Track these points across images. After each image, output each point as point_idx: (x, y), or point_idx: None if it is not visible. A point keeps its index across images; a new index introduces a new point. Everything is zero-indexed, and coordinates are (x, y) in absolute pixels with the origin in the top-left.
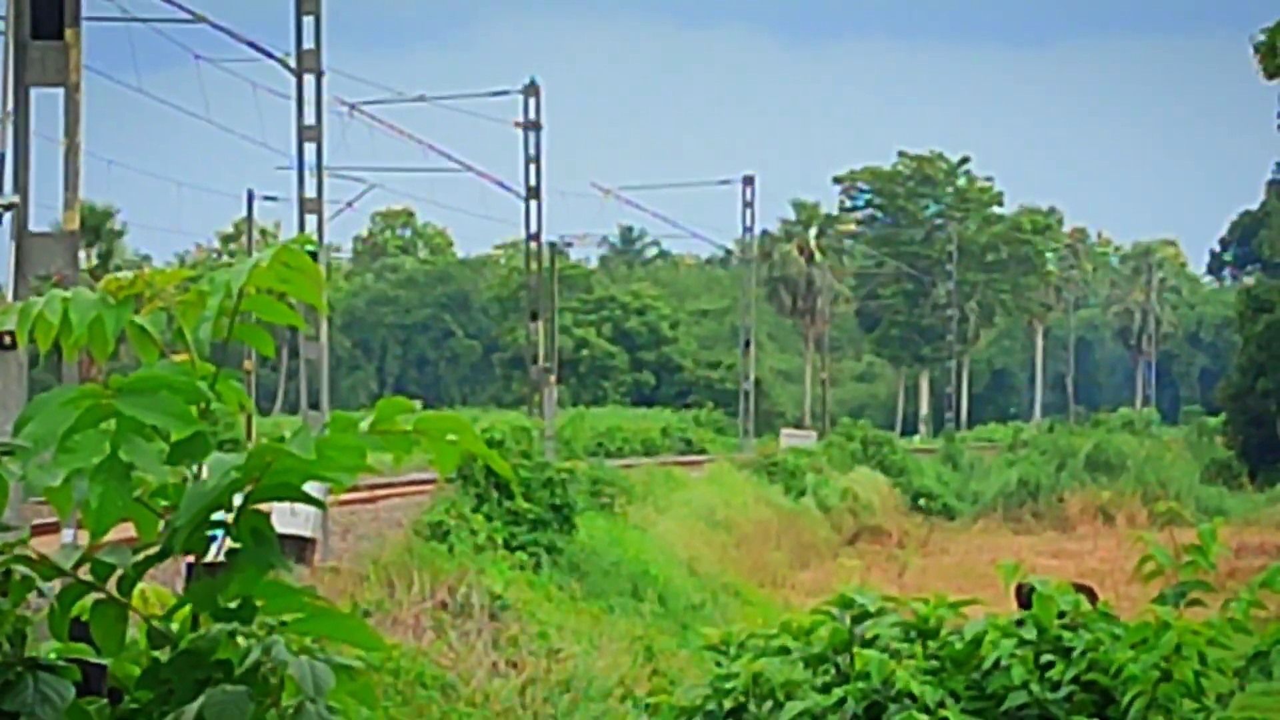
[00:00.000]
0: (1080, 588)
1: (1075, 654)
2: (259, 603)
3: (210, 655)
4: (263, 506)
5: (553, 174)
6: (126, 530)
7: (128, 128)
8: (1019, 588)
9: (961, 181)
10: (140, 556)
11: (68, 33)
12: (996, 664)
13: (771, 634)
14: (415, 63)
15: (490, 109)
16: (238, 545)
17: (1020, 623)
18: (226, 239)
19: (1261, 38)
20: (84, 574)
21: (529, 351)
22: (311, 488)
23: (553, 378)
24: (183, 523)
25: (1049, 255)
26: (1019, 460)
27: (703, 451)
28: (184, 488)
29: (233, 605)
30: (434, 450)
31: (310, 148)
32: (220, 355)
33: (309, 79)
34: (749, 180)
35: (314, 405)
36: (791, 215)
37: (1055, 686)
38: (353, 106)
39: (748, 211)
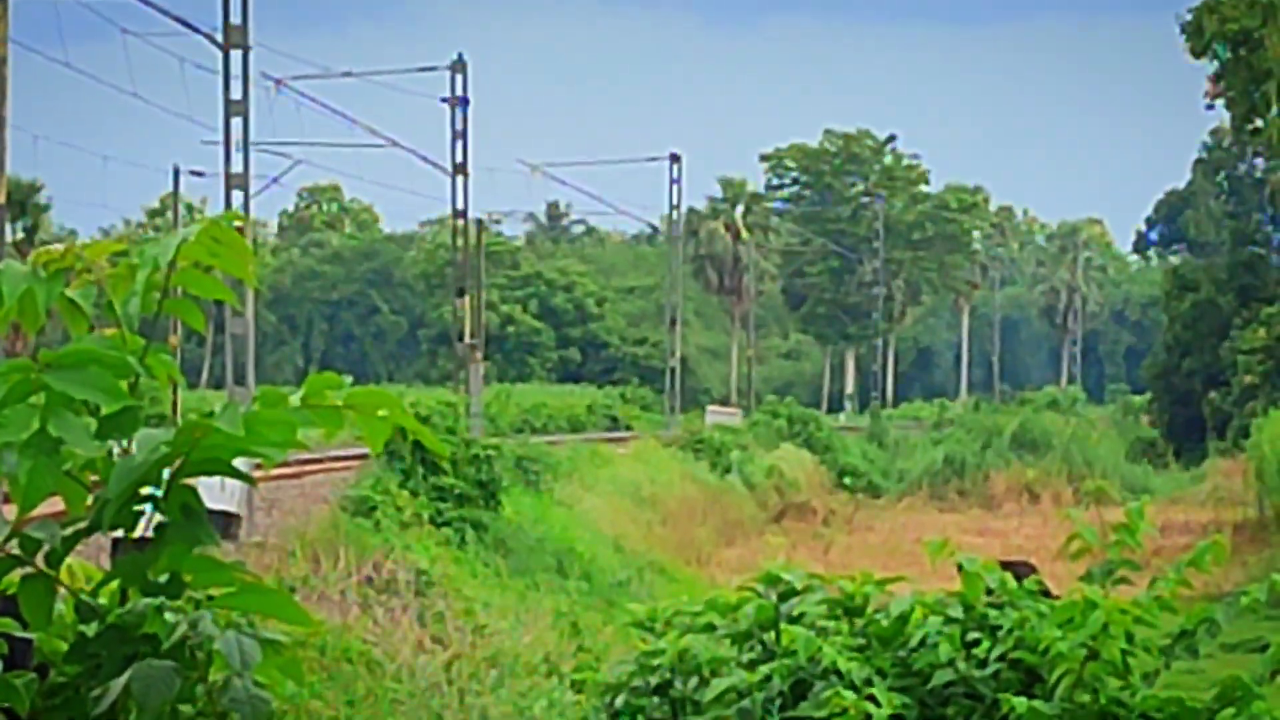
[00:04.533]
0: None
1: (1002, 632)
2: (187, 577)
3: (137, 629)
4: (190, 481)
5: (480, 150)
6: (55, 505)
7: (54, 101)
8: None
9: (888, 160)
10: (69, 531)
11: None
12: (923, 641)
13: (697, 610)
14: (349, 39)
15: (418, 85)
16: (166, 520)
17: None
18: (153, 214)
19: (1188, 17)
20: (12, 548)
21: (455, 328)
22: (239, 463)
23: (479, 354)
24: (112, 497)
25: (975, 234)
26: (944, 438)
27: (628, 428)
28: (113, 462)
29: (161, 580)
30: (364, 425)
31: (237, 123)
32: (149, 330)
33: (235, 54)
34: (676, 158)
35: (239, 381)
36: (718, 193)
37: (982, 664)
38: (279, 82)
39: (674, 189)
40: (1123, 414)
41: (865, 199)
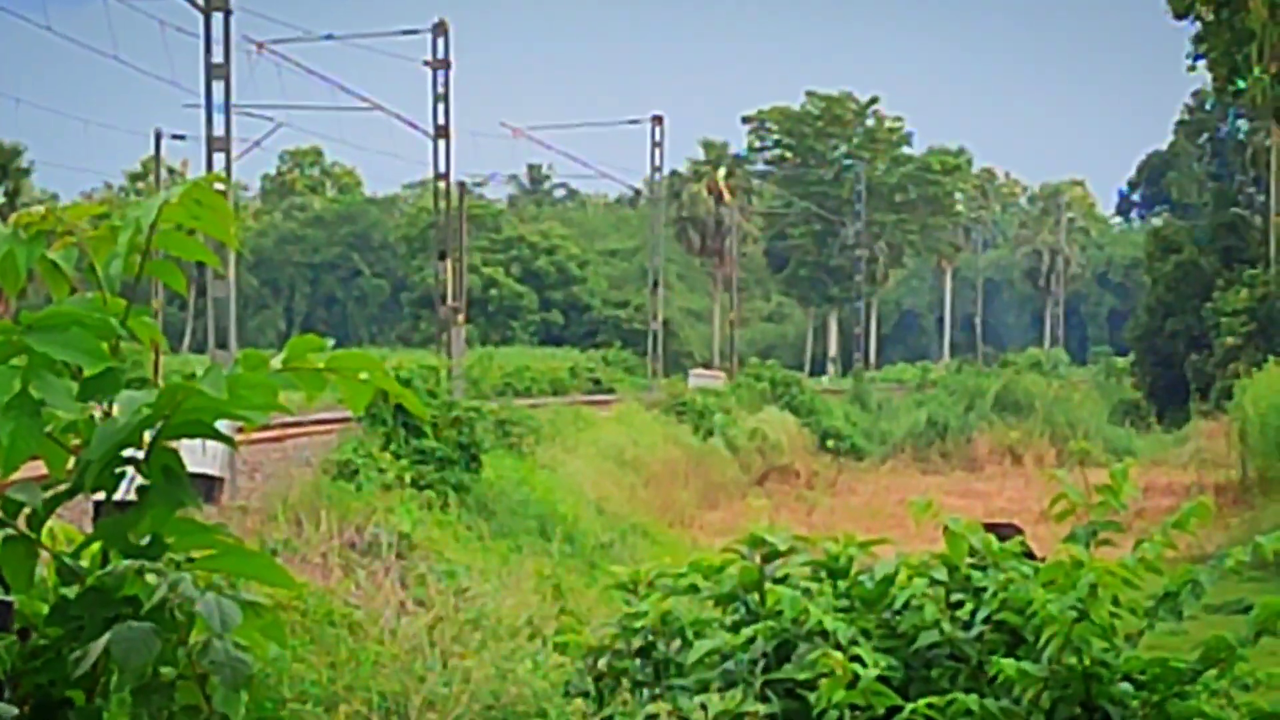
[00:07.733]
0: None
1: (987, 594)
2: (169, 540)
3: (118, 592)
4: (172, 444)
5: (462, 113)
6: (36, 468)
7: (35, 65)
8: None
9: (870, 122)
10: (50, 493)
11: None
12: (908, 603)
13: (681, 573)
14: (331, 2)
15: (400, 48)
16: (148, 482)
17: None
18: (134, 177)
19: None
20: None
21: (437, 291)
22: (221, 426)
23: (461, 317)
24: (93, 459)
25: (958, 196)
26: (927, 400)
27: (611, 391)
28: (94, 424)
29: (142, 542)
30: (345, 388)
31: (218, 86)
32: (130, 292)
33: (217, 18)
34: (658, 120)
35: (222, 344)
36: (700, 155)
37: (967, 626)
38: (260, 45)
39: (656, 151)
40: (1105, 376)
41: (847, 161)
